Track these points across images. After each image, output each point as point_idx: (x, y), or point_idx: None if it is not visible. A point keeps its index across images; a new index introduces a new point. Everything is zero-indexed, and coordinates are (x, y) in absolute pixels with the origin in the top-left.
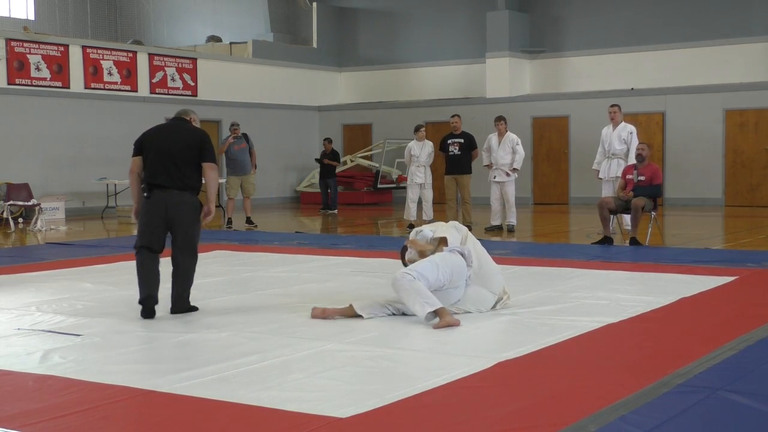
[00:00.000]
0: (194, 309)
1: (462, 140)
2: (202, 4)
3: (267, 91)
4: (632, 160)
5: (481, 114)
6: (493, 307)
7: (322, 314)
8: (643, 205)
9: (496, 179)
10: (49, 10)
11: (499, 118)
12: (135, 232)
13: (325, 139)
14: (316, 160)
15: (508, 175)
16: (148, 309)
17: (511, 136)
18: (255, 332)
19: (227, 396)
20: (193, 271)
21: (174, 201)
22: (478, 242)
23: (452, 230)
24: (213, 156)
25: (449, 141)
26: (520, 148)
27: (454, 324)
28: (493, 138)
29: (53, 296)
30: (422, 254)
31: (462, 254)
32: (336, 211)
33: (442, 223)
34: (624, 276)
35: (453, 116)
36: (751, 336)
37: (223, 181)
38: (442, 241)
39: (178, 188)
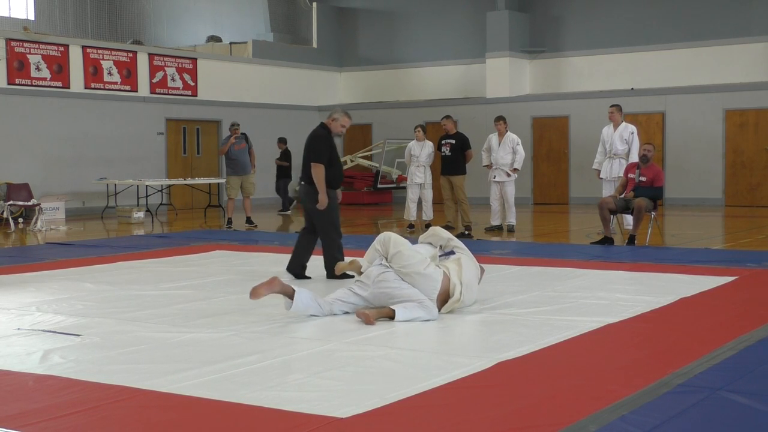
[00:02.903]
0: (345, 277)
1: (453, 141)
2: (202, 4)
3: (267, 91)
4: (633, 160)
5: (481, 114)
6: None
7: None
8: (645, 205)
9: (496, 179)
10: (49, 10)
11: (499, 118)
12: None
13: (279, 140)
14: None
15: (508, 175)
16: (292, 275)
17: (511, 136)
18: (255, 332)
19: (227, 396)
20: (329, 245)
21: (303, 192)
22: (400, 252)
23: (372, 252)
24: (314, 155)
25: (442, 141)
26: (520, 149)
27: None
28: (494, 138)
29: (53, 296)
30: (351, 267)
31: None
32: (290, 212)
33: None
34: (624, 276)
35: (443, 118)
36: (751, 336)
37: (223, 180)
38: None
39: (306, 182)
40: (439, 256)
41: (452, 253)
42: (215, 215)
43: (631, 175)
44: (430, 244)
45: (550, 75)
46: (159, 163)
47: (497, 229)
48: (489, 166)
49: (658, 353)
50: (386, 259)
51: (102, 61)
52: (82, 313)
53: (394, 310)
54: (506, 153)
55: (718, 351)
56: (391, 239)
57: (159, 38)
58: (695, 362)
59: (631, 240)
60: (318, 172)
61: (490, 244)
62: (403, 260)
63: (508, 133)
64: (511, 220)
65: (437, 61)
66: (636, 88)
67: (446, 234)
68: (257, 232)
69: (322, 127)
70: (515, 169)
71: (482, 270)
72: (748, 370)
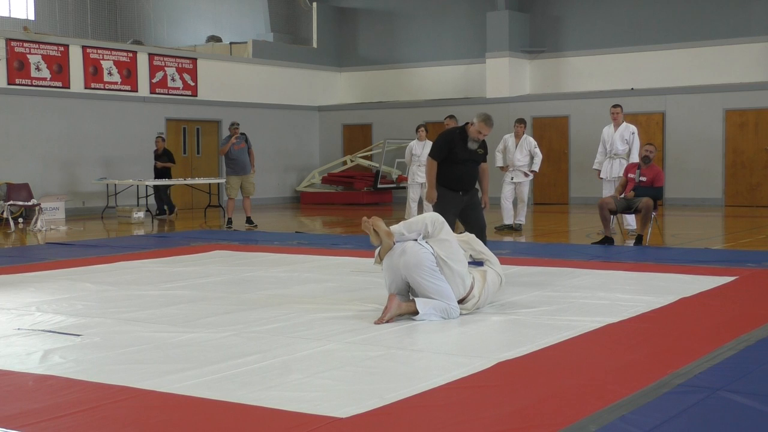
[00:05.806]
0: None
1: None
2: (202, 4)
3: (267, 91)
4: (633, 160)
5: None
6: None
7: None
8: (651, 206)
9: (514, 180)
10: (49, 10)
11: (520, 121)
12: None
13: (157, 136)
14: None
15: (526, 175)
16: None
17: (528, 140)
18: (255, 332)
19: (227, 396)
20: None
21: None
22: (449, 241)
23: (420, 225)
24: (430, 150)
25: None
26: (538, 151)
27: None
28: (510, 139)
29: (53, 296)
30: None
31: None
32: (174, 214)
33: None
34: (624, 276)
35: (446, 118)
36: (751, 336)
37: (223, 180)
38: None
39: None
40: (468, 263)
41: (480, 264)
42: (215, 215)
43: (631, 175)
44: (462, 249)
45: (550, 75)
46: None
47: (508, 229)
48: (504, 168)
49: (658, 353)
50: (425, 238)
51: (102, 61)
52: (82, 313)
53: (417, 309)
54: (523, 156)
55: (718, 351)
56: (445, 226)
57: (159, 38)
58: (695, 362)
59: (639, 240)
60: (429, 166)
61: (489, 244)
62: (452, 252)
63: (525, 135)
64: (521, 218)
65: (437, 61)
66: (636, 88)
67: (480, 246)
68: (257, 232)
69: (460, 128)
70: (533, 171)
71: (502, 280)
72: (748, 370)
